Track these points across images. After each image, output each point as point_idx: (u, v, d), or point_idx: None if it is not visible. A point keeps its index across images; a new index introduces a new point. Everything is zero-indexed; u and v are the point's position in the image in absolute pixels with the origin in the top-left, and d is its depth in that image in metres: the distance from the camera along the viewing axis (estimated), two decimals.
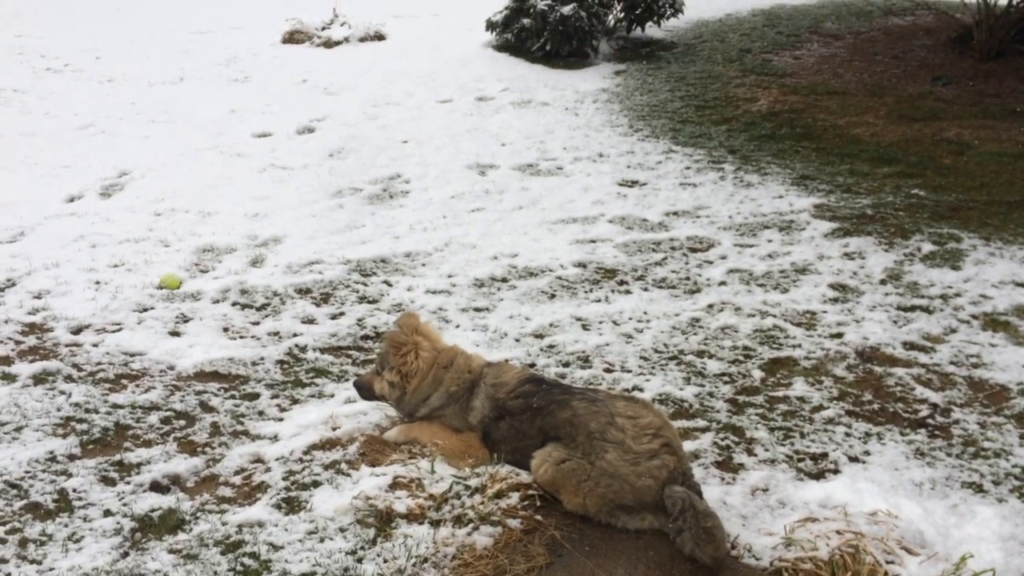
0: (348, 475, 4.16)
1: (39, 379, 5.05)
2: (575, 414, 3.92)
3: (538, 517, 3.80)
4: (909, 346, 5.69)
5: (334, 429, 4.60)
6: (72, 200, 8.14)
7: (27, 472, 4.16)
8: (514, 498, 3.87)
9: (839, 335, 5.85)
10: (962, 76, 12.38)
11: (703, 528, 3.50)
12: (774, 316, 6.13)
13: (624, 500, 3.74)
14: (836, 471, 4.35)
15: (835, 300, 6.37)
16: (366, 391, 4.63)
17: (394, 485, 4.01)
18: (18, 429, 4.50)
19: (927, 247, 7.19)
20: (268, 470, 4.28)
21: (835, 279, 6.71)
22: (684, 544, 3.57)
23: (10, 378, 5.04)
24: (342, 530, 3.73)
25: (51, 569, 3.54)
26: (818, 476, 4.31)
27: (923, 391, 5.13)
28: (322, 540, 3.66)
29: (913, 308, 6.22)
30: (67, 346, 5.52)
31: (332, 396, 5.04)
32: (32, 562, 3.59)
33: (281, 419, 4.80)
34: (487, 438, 4.25)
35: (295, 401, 5.00)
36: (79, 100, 11.17)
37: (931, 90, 11.91)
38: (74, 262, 6.76)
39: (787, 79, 12.66)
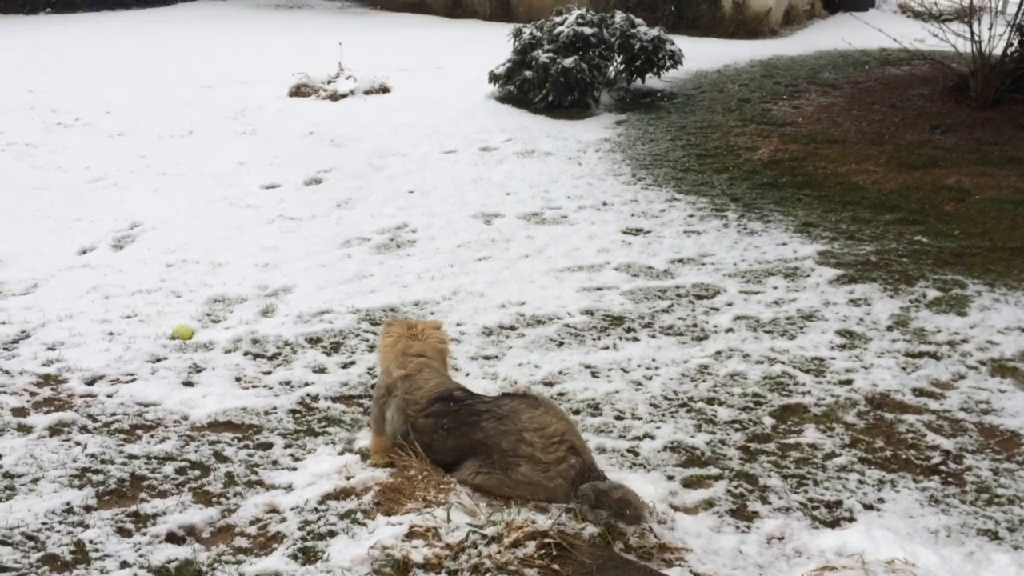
0: (364, 524, 4.17)
1: (54, 430, 5.08)
2: (486, 435, 4.37)
3: (555, 566, 3.80)
4: (918, 392, 5.71)
5: (348, 478, 4.61)
6: (84, 252, 8.22)
7: (44, 524, 4.17)
8: (531, 547, 3.87)
9: (848, 382, 5.88)
10: (960, 124, 12.56)
11: (616, 500, 4.08)
12: (782, 363, 6.17)
13: (540, 499, 4.32)
14: (851, 519, 4.35)
15: (843, 346, 6.42)
16: None
17: (410, 534, 4.02)
18: (35, 480, 4.52)
19: (932, 293, 7.25)
20: (283, 520, 4.29)
21: (842, 325, 6.75)
22: (605, 519, 4.13)
23: (26, 429, 5.07)
24: None
25: None
26: (833, 524, 4.31)
27: (935, 437, 5.15)
28: None
29: (921, 354, 6.26)
30: (82, 397, 5.56)
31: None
32: None
33: (295, 468, 4.81)
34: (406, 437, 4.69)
35: (308, 450, 5.02)
36: (90, 154, 11.32)
37: (930, 138, 12.06)
38: (87, 313, 6.82)
39: (787, 128, 12.85)
